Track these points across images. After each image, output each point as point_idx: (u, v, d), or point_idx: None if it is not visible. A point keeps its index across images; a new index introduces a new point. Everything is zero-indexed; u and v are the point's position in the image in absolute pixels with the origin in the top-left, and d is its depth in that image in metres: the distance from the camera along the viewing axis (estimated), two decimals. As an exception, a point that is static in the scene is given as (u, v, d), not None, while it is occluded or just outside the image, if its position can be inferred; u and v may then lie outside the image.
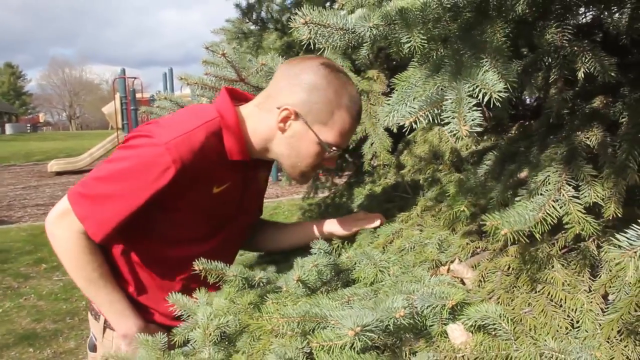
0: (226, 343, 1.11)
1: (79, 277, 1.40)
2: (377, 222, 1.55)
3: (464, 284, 1.15)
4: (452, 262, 1.20)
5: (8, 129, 50.49)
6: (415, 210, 1.53)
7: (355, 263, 1.30)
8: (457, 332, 0.90)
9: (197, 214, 1.43)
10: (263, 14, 2.71)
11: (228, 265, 1.26)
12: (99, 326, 1.56)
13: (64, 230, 1.35)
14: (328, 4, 2.55)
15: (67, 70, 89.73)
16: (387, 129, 1.97)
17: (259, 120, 1.39)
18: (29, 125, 61.76)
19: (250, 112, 1.42)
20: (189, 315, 1.21)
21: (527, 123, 1.78)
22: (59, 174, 15.77)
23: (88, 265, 1.38)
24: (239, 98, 1.48)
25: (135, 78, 17.09)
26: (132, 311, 1.47)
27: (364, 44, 1.14)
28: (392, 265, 1.27)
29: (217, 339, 1.07)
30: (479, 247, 1.24)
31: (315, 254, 1.26)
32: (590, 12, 1.49)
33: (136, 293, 1.51)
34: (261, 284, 1.26)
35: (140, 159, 1.28)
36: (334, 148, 1.38)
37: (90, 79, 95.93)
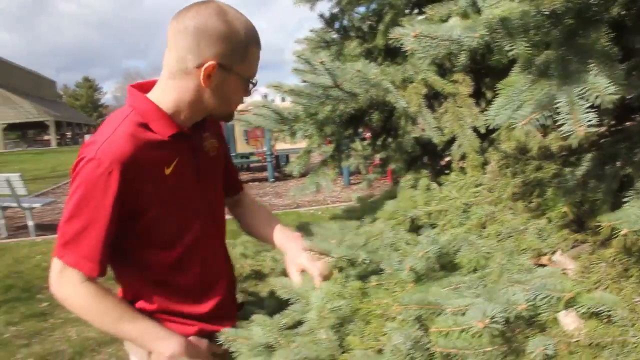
0: (338, 326, 1.19)
1: (106, 323, 1.42)
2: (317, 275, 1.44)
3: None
4: (553, 253, 1.25)
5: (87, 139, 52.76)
6: (506, 192, 1.58)
7: (457, 248, 1.35)
8: (569, 319, 0.96)
9: (165, 203, 1.43)
10: (345, 22, 2.80)
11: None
12: (140, 350, 1.51)
13: (68, 287, 1.37)
14: (408, 10, 2.62)
15: (139, 81, 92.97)
16: (475, 129, 2.03)
17: (179, 89, 1.39)
18: (106, 135, 64.29)
19: (166, 87, 1.42)
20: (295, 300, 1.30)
21: (618, 123, 1.79)
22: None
23: (108, 308, 1.39)
24: (148, 87, 1.49)
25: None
26: (167, 331, 1.47)
27: (462, 52, 1.21)
28: (494, 252, 1.32)
29: (332, 321, 1.15)
30: (578, 240, 1.29)
31: (425, 241, 1.29)
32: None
33: (159, 312, 1.51)
34: (363, 265, 1.33)
35: (85, 182, 1.31)
36: (253, 81, 1.44)
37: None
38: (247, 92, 1.47)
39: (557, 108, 0.84)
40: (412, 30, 1.05)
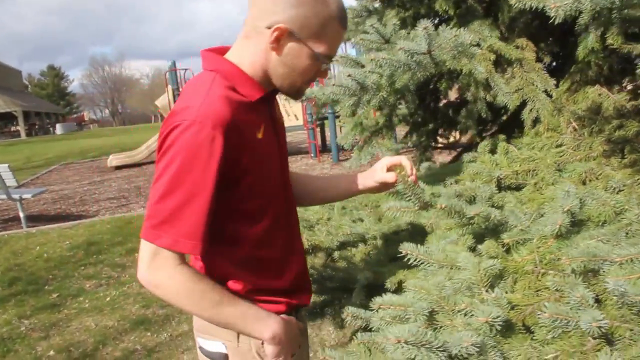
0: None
1: (204, 309, 1.31)
2: (407, 162, 1.48)
3: None
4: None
5: (59, 129, 51.96)
6: (594, 151, 1.59)
7: (582, 202, 1.34)
8: None
9: (259, 170, 1.35)
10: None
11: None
12: (229, 333, 1.42)
13: (162, 272, 1.25)
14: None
15: (107, 67, 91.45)
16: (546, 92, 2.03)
17: (252, 50, 1.32)
18: (75, 124, 63.34)
19: (241, 47, 1.34)
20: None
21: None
22: (118, 168, 16.21)
23: (206, 292, 1.29)
24: (222, 53, 1.40)
25: (186, 69, 17.35)
26: (265, 311, 1.39)
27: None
28: (620, 204, 1.32)
29: (491, 280, 1.14)
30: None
31: (564, 196, 1.26)
32: None
33: (249, 291, 1.42)
34: (495, 222, 1.32)
35: (185, 149, 1.19)
36: (328, 59, 1.34)
37: (130, 74, 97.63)
38: (320, 73, 1.38)
39: None
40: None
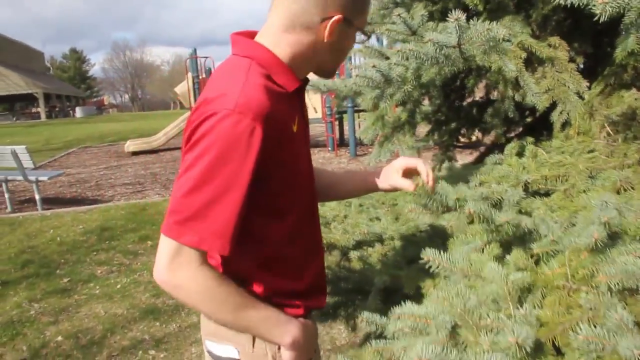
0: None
1: (226, 312, 1.23)
2: (423, 167, 1.42)
3: None
4: None
5: (78, 112, 52.36)
6: (630, 158, 1.50)
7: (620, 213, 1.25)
8: None
9: (292, 164, 1.29)
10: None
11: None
12: (243, 337, 1.34)
13: (184, 272, 1.16)
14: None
15: (128, 53, 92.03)
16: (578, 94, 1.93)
17: (296, 43, 1.25)
18: (95, 108, 63.81)
19: (280, 40, 1.26)
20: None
21: None
22: (135, 153, 16.26)
23: (229, 294, 1.21)
24: (251, 36, 1.33)
25: (207, 57, 17.34)
26: (286, 315, 1.32)
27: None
28: None
29: (519, 295, 1.06)
30: None
31: (601, 206, 1.18)
32: None
33: (270, 294, 1.34)
34: (525, 230, 1.24)
35: (223, 140, 1.10)
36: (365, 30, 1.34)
37: (151, 60, 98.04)
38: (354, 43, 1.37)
39: None
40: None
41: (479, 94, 2.63)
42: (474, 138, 3.08)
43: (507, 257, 1.20)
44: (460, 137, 2.81)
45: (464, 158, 3.68)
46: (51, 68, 77.37)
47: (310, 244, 1.45)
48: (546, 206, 1.50)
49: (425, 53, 1.60)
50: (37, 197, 8.64)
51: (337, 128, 14.41)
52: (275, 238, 1.32)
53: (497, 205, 1.44)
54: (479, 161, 2.66)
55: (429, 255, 1.23)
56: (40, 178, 8.79)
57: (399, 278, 1.69)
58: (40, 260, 5.93)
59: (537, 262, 1.22)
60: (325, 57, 1.30)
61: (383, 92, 1.88)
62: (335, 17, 1.21)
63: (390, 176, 1.50)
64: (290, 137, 1.25)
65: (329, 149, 13.88)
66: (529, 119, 2.64)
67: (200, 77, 16.06)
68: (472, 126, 2.92)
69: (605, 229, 1.11)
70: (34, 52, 59.90)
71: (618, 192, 1.49)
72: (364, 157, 11.65)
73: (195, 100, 15.85)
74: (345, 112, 12.99)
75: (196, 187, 1.11)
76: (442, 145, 2.97)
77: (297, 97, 1.33)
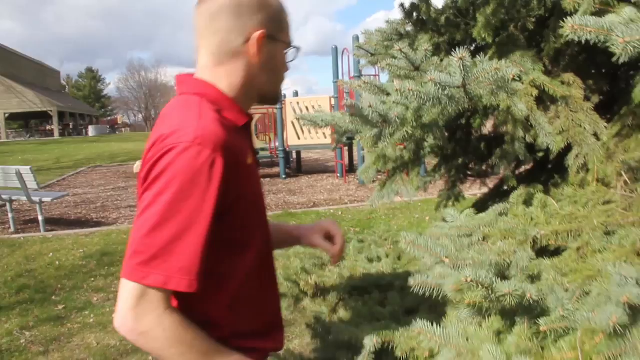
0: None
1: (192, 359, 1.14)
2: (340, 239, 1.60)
3: None
4: None
5: (91, 131, 52.66)
6: None
7: None
8: None
9: (250, 197, 1.28)
10: (423, 15, 2.55)
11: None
12: None
13: (150, 317, 1.08)
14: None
15: (143, 73, 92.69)
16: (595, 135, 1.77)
17: (230, 74, 1.26)
18: (108, 127, 64.25)
19: (215, 75, 1.27)
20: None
21: None
22: (144, 175, 16.22)
23: (195, 340, 1.14)
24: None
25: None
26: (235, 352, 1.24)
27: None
28: None
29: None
30: None
31: (619, 281, 1.03)
32: None
33: (230, 336, 1.27)
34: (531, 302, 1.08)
35: (182, 175, 1.07)
36: (292, 46, 1.35)
37: (165, 81, 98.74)
38: (288, 63, 1.38)
39: None
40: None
41: (487, 128, 2.48)
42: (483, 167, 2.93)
43: (509, 337, 1.03)
44: (468, 172, 2.66)
45: (472, 187, 3.52)
46: (67, 86, 78.25)
47: (268, 281, 1.43)
48: (556, 268, 1.33)
49: (427, 93, 1.45)
50: (40, 218, 8.55)
51: (346, 154, 14.28)
52: (237, 274, 1.27)
53: (505, 268, 1.28)
54: (485, 201, 2.50)
55: (421, 327, 1.06)
56: (44, 199, 8.71)
57: (392, 337, 1.52)
58: (37, 285, 5.78)
59: (544, 339, 1.06)
60: (262, 79, 1.30)
61: (382, 132, 1.74)
62: (256, 34, 1.23)
63: (313, 236, 1.62)
64: (247, 170, 1.24)
65: (338, 175, 13.72)
66: (540, 154, 2.48)
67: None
68: (480, 162, 2.76)
69: (625, 310, 0.94)
70: (50, 71, 60.61)
71: (638, 254, 1.32)
72: (372, 184, 11.50)
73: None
74: (354, 138, 12.86)
75: (158, 225, 1.06)
76: (448, 181, 2.82)
77: (245, 132, 1.32)
